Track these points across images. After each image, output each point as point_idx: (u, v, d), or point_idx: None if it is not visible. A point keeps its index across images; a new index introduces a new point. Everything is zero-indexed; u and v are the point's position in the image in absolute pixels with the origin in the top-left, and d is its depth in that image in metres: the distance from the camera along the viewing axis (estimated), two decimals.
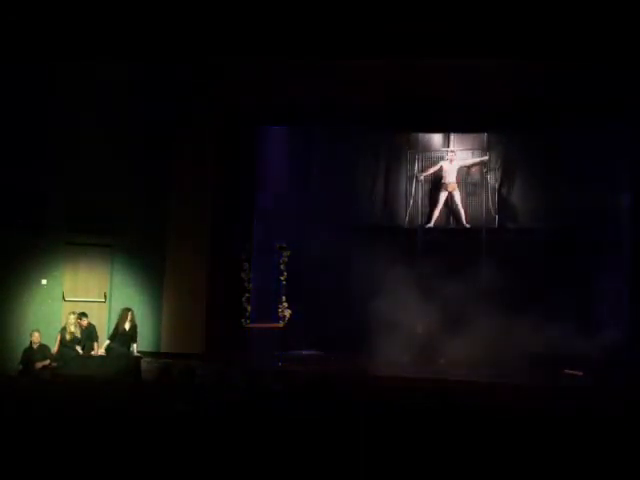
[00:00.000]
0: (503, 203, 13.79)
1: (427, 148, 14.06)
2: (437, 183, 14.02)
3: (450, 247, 13.86)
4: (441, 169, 13.95)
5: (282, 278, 13.50)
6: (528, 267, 13.40)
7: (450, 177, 13.87)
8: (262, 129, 13.63)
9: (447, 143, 14.05)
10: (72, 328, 11.67)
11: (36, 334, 11.46)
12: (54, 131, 12.76)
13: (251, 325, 13.32)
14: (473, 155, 13.94)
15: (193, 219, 13.02)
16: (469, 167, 13.90)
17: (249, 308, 13.20)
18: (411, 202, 14.07)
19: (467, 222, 13.87)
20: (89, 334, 11.82)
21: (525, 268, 13.39)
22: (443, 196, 13.95)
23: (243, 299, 13.18)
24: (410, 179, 14.08)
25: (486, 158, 13.76)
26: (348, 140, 14.27)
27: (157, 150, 12.98)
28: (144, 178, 12.96)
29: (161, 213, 13.05)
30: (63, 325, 11.86)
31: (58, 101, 12.73)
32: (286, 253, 13.49)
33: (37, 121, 12.61)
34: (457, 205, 13.88)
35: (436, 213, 13.96)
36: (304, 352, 13.66)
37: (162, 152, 12.99)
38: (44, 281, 12.75)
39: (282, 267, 13.48)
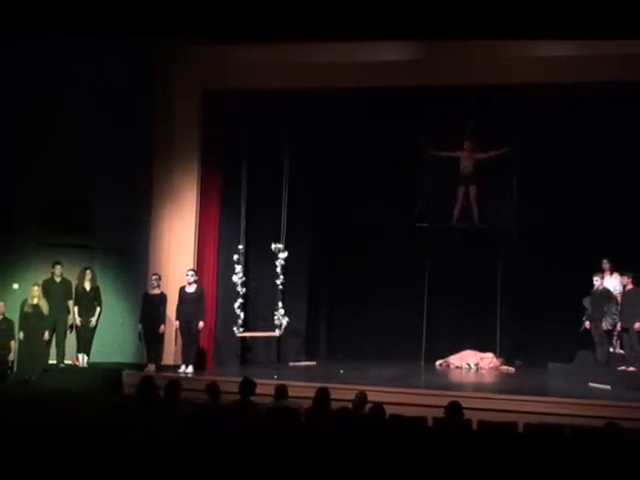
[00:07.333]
0: (523, 197, 13.27)
1: (443, 138, 13.46)
2: (454, 176, 13.64)
3: (465, 245, 13.67)
4: (458, 160, 13.58)
5: (278, 282, 12.92)
6: (548, 266, 13.26)
7: (467, 169, 13.54)
8: (256, 121, 13.07)
9: (465, 133, 13.47)
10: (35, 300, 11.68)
11: (0, 304, 11.64)
12: (22, 123, 12.53)
13: (244, 334, 12.79)
14: (492, 147, 13.34)
15: (179, 218, 12.60)
16: (487, 159, 13.34)
17: (242, 315, 12.60)
18: (423, 199, 13.56)
19: (481, 219, 13.50)
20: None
21: (545, 267, 13.29)
22: (461, 191, 13.64)
23: (235, 305, 12.58)
24: (424, 174, 13.56)
25: (506, 150, 13.17)
26: (353, 130, 13.74)
27: (138, 143, 12.65)
28: (126, 175, 12.65)
29: (146, 211, 12.68)
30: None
31: (26, 91, 12.46)
32: (283, 255, 12.91)
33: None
34: (472, 202, 13.54)
35: (456, 211, 13.66)
36: (302, 363, 13.05)
37: (144, 144, 12.61)
38: (16, 285, 12.48)
39: (278, 270, 12.90)
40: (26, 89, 12.42)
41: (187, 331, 11.85)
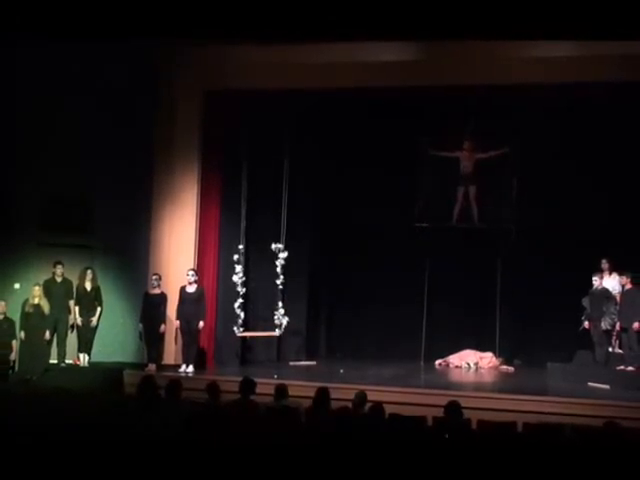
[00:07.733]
0: (523, 197, 13.27)
1: (443, 138, 13.44)
2: (454, 176, 13.64)
3: (465, 245, 13.67)
4: (458, 160, 13.57)
5: (278, 282, 12.93)
6: (548, 266, 13.24)
7: (467, 169, 13.53)
8: (256, 121, 13.02)
9: (465, 133, 13.45)
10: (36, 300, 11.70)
11: (2, 303, 11.67)
12: (22, 123, 12.51)
13: (244, 334, 12.81)
14: (492, 147, 13.32)
15: (179, 218, 12.59)
16: (487, 159, 13.32)
17: (242, 315, 12.61)
18: (422, 199, 13.55)
19: (481, 219, 13.49)
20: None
21: (545, 267, 13.27)
22: (461, 191, 13.63)
23: (235, 305, 12.58)
24: (424, 174, 13.57)
25: (506, 150, 13.15)
26: (353, 130, 13.72)
27: (138, 143, 12.62)
28: (126, 175, 12.61)
29: (146, 211, 12.64)
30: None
31: (26, 91, 12.45)
32: (283, 255, 12.92)
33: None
34: (472, 202, 13.53)
35: (456, 211, 13.66)
36: (302, 363, 13.08)
37: (144, 144, 12.58)
38: (17, 285, 12.50)
39: (278, 270, 12.91)
40: (26, 89, 12.40)
41: (187, 331, 11.86)
